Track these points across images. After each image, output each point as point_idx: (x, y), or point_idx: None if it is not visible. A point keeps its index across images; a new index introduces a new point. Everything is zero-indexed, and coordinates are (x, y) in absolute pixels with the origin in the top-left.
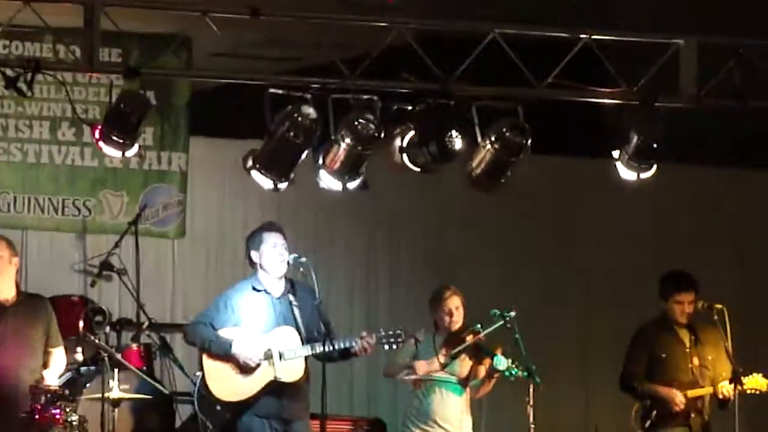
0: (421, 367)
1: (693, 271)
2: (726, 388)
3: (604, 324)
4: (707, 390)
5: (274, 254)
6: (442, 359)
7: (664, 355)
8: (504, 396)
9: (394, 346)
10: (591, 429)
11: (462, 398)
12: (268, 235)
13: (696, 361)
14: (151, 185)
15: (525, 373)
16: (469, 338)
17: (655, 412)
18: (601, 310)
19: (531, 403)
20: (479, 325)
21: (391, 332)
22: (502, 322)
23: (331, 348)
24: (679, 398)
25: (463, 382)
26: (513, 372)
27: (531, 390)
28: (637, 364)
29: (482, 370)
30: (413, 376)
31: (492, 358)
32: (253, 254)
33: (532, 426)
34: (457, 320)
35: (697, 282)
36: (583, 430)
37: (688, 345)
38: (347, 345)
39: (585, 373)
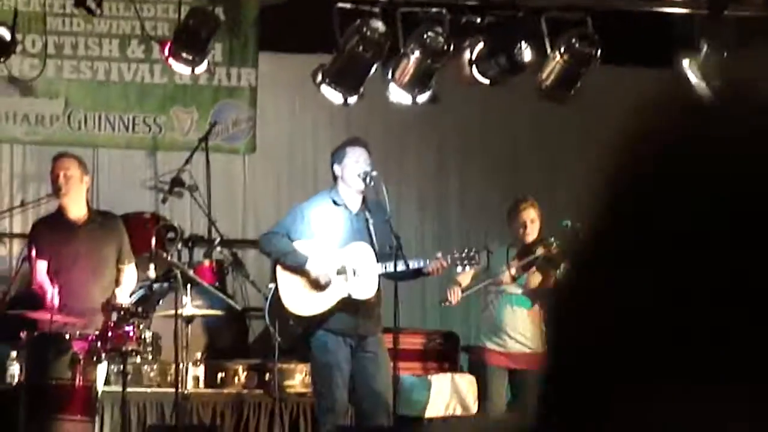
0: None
1: None
2: None
3: None
4: None
5: (355, 168)
6: (513, 271)
7: None
8: None
9: (467, 268)
10: None
11: (532, 310)
12: (351, 149)
13: None
14: (221, 101)
15: None
16: (539, 251)
17: None
18: None
19: None
20: (552, 239)
21: (464, 254)
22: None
23: (405, 267)
24: None
25: (533, 295)
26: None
27: None
28: None
29: (552, 283)
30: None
31: (558, 272)
32: (336, 168)
33: None
34: (531, 233)
35: None
36: None
37: None
38: (420, 265)
39: None
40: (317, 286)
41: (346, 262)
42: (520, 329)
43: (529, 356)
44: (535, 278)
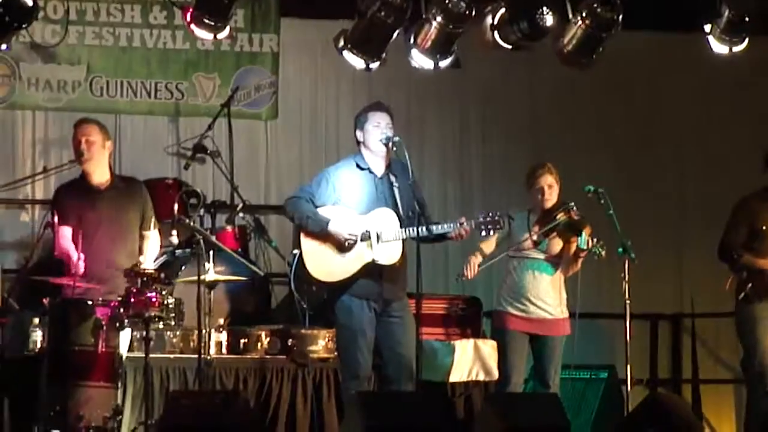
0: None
1: None
2: None
3: (698, 198)
4: None
5: (376, 133)
6: (534, 237)
7: (765, 228)
8: (600, 271)
9: (492, 232)
10: (685, 300)
11: (554, 277)
12: (373, 114)
13: None
14: (243, 67)
15: (620, 249)
16: (560, 216)
17: (750, 285)
18: (694, 185)
19: (626, 279)
20: (572, 204)
21: (489, 218)
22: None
23: (429, 232)
24: None
25: (554, 261)
26: (597, 251)
27: (626, 266)
28: (737, 234)
29: (572, 249)
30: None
31: (578, 237)
32: (358, 133)
33: (628, 302)
34: (549, 198)
35: None
36: (677, 301)
37: None
38: (444, 230)
39: (680, 246)
40: (341, 248)
41: (370, 227)
42: (542, 295)
43: (551, 322)
44: (557, 244)
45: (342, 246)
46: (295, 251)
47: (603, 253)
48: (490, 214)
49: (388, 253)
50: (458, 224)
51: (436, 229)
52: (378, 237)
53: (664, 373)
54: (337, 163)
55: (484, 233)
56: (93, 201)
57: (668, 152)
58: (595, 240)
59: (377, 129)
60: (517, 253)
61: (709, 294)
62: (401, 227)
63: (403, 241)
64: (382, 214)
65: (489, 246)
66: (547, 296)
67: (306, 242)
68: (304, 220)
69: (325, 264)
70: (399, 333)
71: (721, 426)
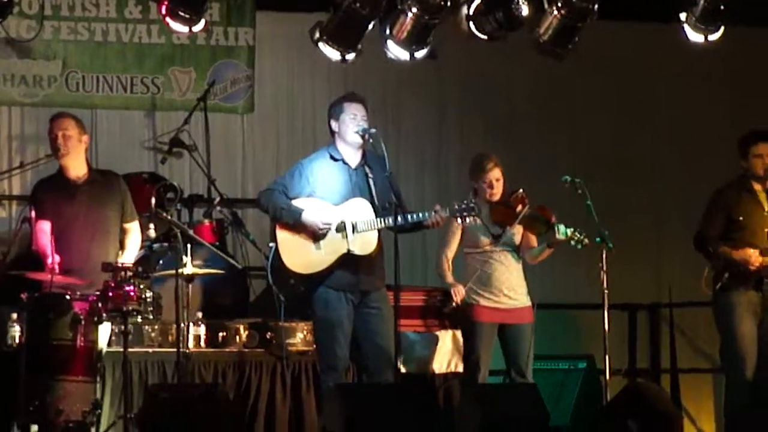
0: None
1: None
2: None
3: (676, 188)
4: None
5: (352, 125)
6: (491, 229)
7: (741, 218)
8: (578, 260)
9: (468, 219)
10: (663, 290)
11: (519, 263)
12: (348, 105)
13: None
14: (219, 61)
15: (598, 239)
16: (519, 208)
17: (727, 274)
18: (672, 174)
19: (604, 268)
20: (521, 191)
21: (464, 205)
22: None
23: (404, 220)
24: (755, 257)
25: (517, 249)
26: (581, 243)
27: (604, 255)
28: (713, 226)
29: (534, 238)
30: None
31: (553, 228)
32: (333, 123)
33: (606, 291)
34: (496, 193)
35: None
36: (655, 291)
37: (766, 209)
38: (419, 218)
39: (657, 236)
40: (316, 239)
41: (345, 218)
42: (514, 285)
43: (521, 310)
44: (518, 233)
45: (317, 236)
46: (272, 244)
47: (586, 240)
48: (465, 202)
49: (364, 244)
50: (433, 212)
51: (412, 218)
52: (353, 227)
53: (642, 363)
54: (312, 154)
55: (459, 220)
56: (71, 195)
57: (646, 142)
58: (572, 230)
59: (353, 120)
60: (477, 248)
61: (686, 283)
62: (376, 217)
63: (379, 231)
64: (357, 204)
65: (454, 244)
66: (518, 286)
67: (281, 234)
68: (278, 211)
69: (301, 256)
70: (377, 324)
71: (700, 415)
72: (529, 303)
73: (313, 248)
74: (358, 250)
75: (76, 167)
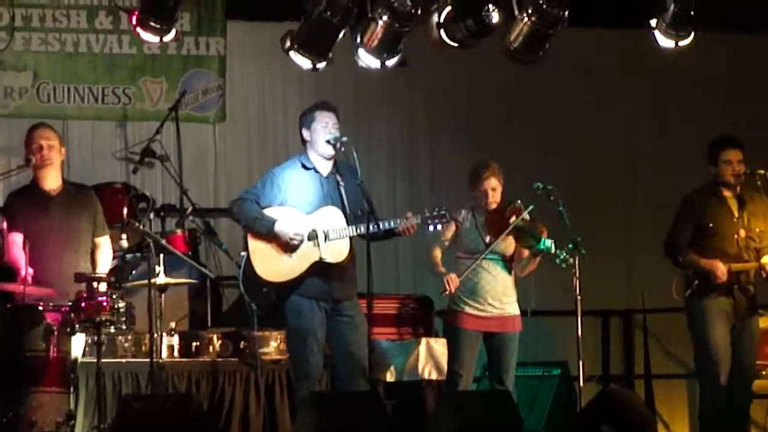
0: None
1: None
2: None
3: (648, 194)
4: (752, 265)
5: (324, 133)
6: (486, 238)
7: (711, 225)
8: (550, 267)
9: (439, 226)
10: (636, 296)
11: (510, 276)
12: (320, 113)
13: (743, 232)
14: (190, 70)
15: (570, 245)
16: (513, 219)
17: (697, 282)
18: (644, 181)
19: (577, 274)
20: (518, 202)
21: (435, 213)
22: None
23: (376, 228)
24: (720, 270)
25: (509, 260)
26: (566, 262)
27: (576, 261)
28: (681, 234)
29: (525, 250)
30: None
31: (538, 242)
32: (305, 132)
33: (579, 297)
34: (494, 201)
35: (743, 144)
36: (628, 297)
37: (736, 215)
38: (391, 225)
39: (629, 242)
40: (287, 249)
41: (316, 226)
42: (500, 294)
43: (507, 319)
44: (510, 244)
45: (288, 246)
46: (243, 253)
47: (571, 260)
48: (436, 209)
49: (335, 252)
50: (405, 219)
51: (383, 225)
52: (325, 235)
53: (616, 369)
54: (284, 163)
55: (431, 227)
56: (44, 207)
57: (618, 149)
58: (554, 247)
59: (325, 129)
60: (470, 255)
61: (659, 289)
62: (348, 225)
63: (351, 239)
64: (329, 212)
65: (447, 238)
66: (504, 295)
67: (253, 243)
68: (250, 221)
69: (272, 264)
70: (349, 333)
71: (674, 420)
72: (516, 312)
73: (285, 256)
74: (330, 258)
75: (53, 179)
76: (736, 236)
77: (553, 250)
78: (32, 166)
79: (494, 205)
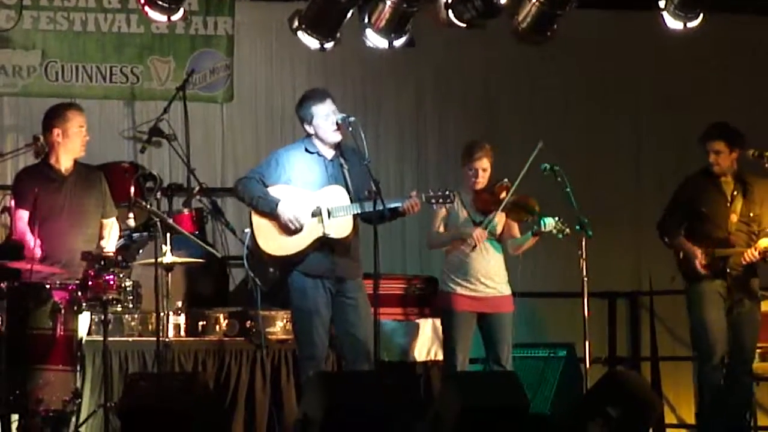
0: (479, 235)
1: (742, 123)
2: (751, 253)
3: (655, 175)
4: (734, 251)
5: (327, 125)
6: (472, 216)
7: (704, 209)
8: (557, 248)
9: (443, 205)
10: (644, 279)
11: (499, 252)
12: (318, 107)
13: (734, 217)
14: (198, 50)
15: (577, 227)
16: (503, 195)
17: (685, 267)
18: (651, 163)
19: (584, 256)
20: (506, 180)
21: (439, 192)
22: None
23: (380, 206)
24: (699, 259)
25: (498, 240)
26: (563, 233)
27: (583, 243)
28: (672, 215)
29: (516, 227)
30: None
31: (538, 219)
32: (307, 128)
33: (585, 279)
34: (481, 181)
35: (735, 132)
36: (635, 279)
37: (729, 199)
38: (395, 204)
39: (636, 223)
40: (289, 230)
41: (320, 203)
42: (492, 274)
43: (500, 299)
44: (501, 221)
45: (289, 228)
46: (247, 230)
47: (568, 231)
48: (440, 190)
49: (339, 228)
50: (408, 197)
51: (388, 204)
52: (329, 212)
53: (622, 351)
54: (289, 145)
55: (435, 206)
56: (55, 187)
57: (625, 130)
58: (555, 219)
59: (327, 120)
60: (461, 234)
61: (666, 271)
62: (352, 203)
63: (355, 218)
64: (332, 190)
65: (438, 223)
66: (496, 275)
67: (257, 219)
68: (254, 200)
69: (276, 240)
70: (353, 315)
71: (680, 403)
72: (508, 292)
73: (287, 234)
74: (333, 234)
75: (67, 160)
76: (727, 220)
77: (552, 225)
78: (55, 144)
79: (480, 186)
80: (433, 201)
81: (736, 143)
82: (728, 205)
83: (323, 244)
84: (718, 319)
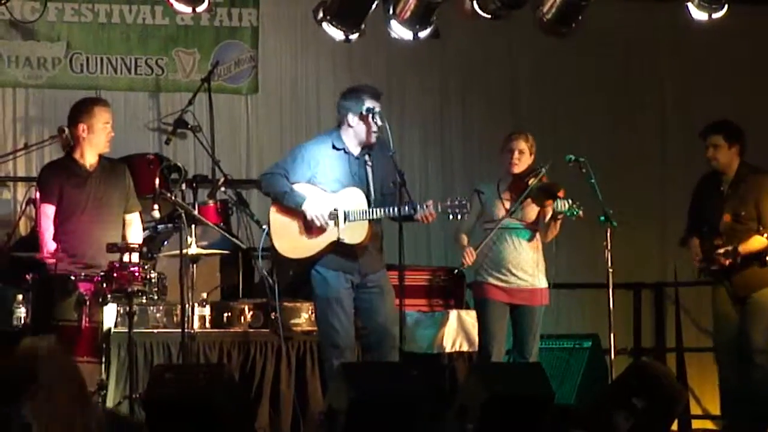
0: (467, 254)
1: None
2: (723, 256)
3: (681, 167)
4: (724, 251)
5: (371, 124)
6: (507, 205)
7: (702, 208)
8: (582, 239)
9: (459, 216)
10: (669, 270)
11: (532, 244)
12: (372, 103)
13: (727, 217)
14: (223, 42)
15: (602, 218)
16: (532, 181)
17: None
18: (677, 154)
19: (608, 247)
20: (542, 168)
21: (456, 202)
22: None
23: (396, 213)
24: (694, 254)
25: (532, 227)
26: (574, 212)
27: (608, 233)
28: (689, 215)
29: (548, 214)
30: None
31: (554, 199)
32: (351, 118)
33: (611, 270)
34: (518, 163)
35: (734, 127)
36: (661, 270)
37: (724, 197)
38: (409, 212)
39: (662, 214)
40: (310, 228)
41: (338, 206)
42: (523, 264)
43: (530, 292)
44: (532, 210)
45: (312, 225)
46: (264, 227)
47: (581, 212)
48: (458, 199)
49: (354, 233)
50: (425, 206)
51: (402, 210)
52: (345, 216)
53: (647, 342)
54: (314, 138)
55: (451, 217)
56: (81, 181)
57: (650, 120)
58: (570, 201)
59: (373, 120)
60: (493, 223)
61: (692, 263)
62: (369, 207)
63: (371, 220)
64: (351, 193)
65: (470, 227)
66: (527, 265)
67: (275, 218)
68: (279, 195)
69: (291, 241)
70: (377, 303)
71: (705, 394)
72: (542, 285)
73: (305, 235)
74: (348, 239)
75: (92, 154)
76: (720, 219)
77: (564, 208)
78: (80, 139)
79: (517, 169)
80: (449, 211)
81: (734, 138)
82: (722, 205)
83: (339, 246)
84: (725, 315)
